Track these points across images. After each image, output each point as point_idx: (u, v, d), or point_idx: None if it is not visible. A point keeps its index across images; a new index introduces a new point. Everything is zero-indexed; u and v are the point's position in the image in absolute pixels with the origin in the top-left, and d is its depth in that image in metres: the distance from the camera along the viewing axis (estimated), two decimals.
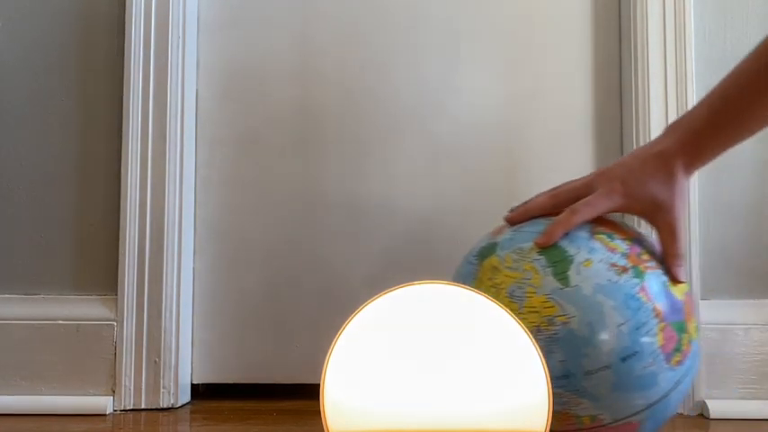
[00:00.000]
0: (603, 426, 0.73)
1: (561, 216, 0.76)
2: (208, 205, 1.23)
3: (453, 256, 1.20)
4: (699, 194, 1.15)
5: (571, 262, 0.73)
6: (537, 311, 0.73)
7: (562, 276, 0.73)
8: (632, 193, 0.76)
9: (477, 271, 0.78)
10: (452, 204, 1.21)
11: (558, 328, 0.72)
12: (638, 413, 0.72)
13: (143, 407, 1.13)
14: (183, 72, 1.18)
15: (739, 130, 0.76)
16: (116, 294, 1.15)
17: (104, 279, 1.16)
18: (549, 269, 0.74)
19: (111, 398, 1.13)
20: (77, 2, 1.21)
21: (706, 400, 1.10)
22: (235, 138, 1.24)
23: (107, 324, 1.14)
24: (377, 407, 0.74)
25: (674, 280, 0.75)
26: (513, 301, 0.74)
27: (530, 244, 0.76)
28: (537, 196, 0.82)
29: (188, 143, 1.19)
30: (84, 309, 1.15)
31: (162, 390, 1.13)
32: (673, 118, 1.13)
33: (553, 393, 0.69)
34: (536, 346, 0.74)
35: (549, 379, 0.74)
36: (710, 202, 1.16)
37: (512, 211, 0.84)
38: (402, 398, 0.74)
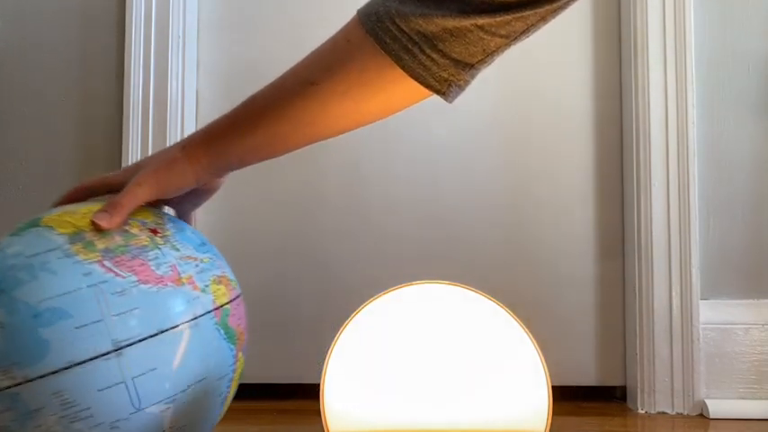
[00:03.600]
0: None
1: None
2: (207, 206, 1.23)
3: (453, 256, 1.20)
4: (699, 194, 1.15)
5: None
6: None
7: None
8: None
9: None
10: (452, 204, 1.21)
11: None
12: None
13: None
14: (183, 72, 1.18)
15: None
16: None
17: None
18: None
19: None
20: (78, 2, 1.21)
21: (706, 400, 1.10)
22: None
23: None
24: (376, 407, 0.74)
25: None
26: None
27: None
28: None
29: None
30: None
31: None
32: (673, 118, 1.14)
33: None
34: (536, 347, 0.74)
35: (549, 380, 0.74)
36: (710, 202, 1.16)
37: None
38: (401, 398, 0.74)
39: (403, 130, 1.22)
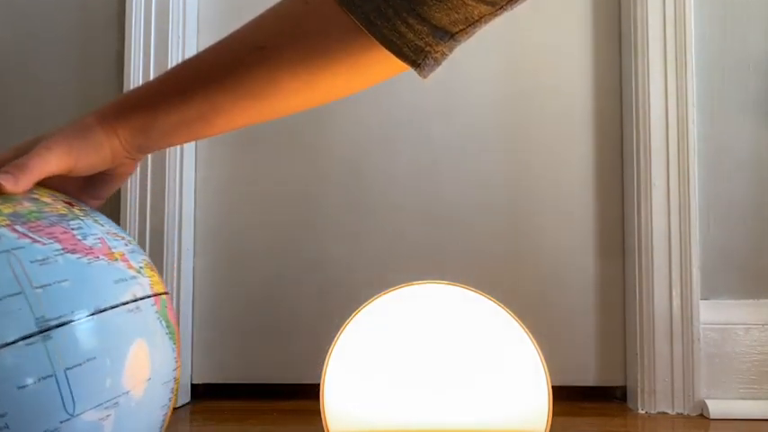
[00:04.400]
0: None
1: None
2: (207, 205, 1.23)
3: (454, 256, 1.20)
4: (699, 195, 1.15)
5: None
6: None
7: None
8: None
9: None
10: (452, 204, 1.21)
11: None
12: None
13: None
14: None
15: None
16: None
17: None
18: None
19: None
20: (78, 2, 1.21)
21: (706, 400, 1.10)
22: (234, 138, 1.24)
23: None
24: (376, 407, 0.74)
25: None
26: None
27: None
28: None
29: (188, 143, 1.19)
30: None
31: None
32: (673, 117, 1.14)
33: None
34: (536, 347, 0.74)
35: (549, 380, 0.74)
36: (711, 203, 1.16)
37: None
38: (401, 398, 0.74)
39: (403, 131, 1.22)
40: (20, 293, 0.45)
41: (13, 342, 0.44)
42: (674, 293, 1.12)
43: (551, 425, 0.74)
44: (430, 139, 1.22)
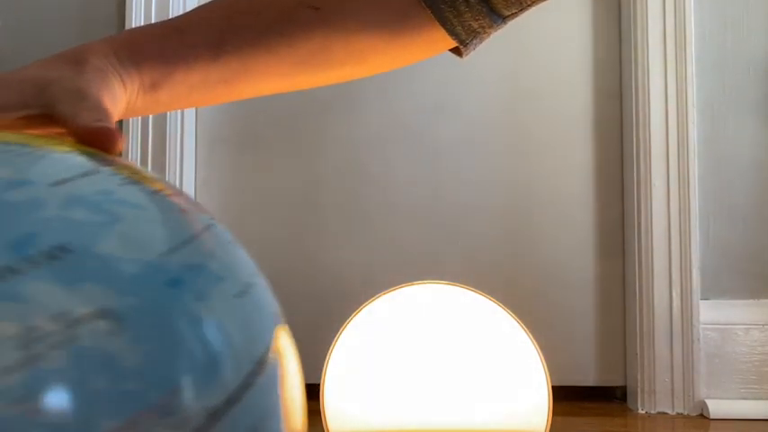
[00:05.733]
0: None
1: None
2: (208, 205, 1.23)
3: (454, 255, 1.20)
4: (699, 195, 1.15)
5: None
6: None
7: None
8: None
9: None
10: (452, 204, 1.21)
11: None
12: None
13: None
14: None
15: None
16: None
17: None
18: None
19: None
20: (78, 3, 1.21)
21: (706, 400, 1.10)
22: (235, 138, 1.24)
23: None
24: (376, 407, 0.74)
25: None
26: None
27: None
28: None
29: (188, 143, 1.19)
30: None
31: None
32: (673, 118, 1.14)
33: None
34: (536, 347, 0.74)
35: (549, 379, 0.74)
36: (711, 203, 1.16)
37: None
38: (401, 398, 0.74)
39: (402, 131, 1.22)
40: (256, 283, 0.33)
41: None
42: (674, 293, 1.12)
43: (551, 425, 0.74)
44: (430, 138, 1.22)
